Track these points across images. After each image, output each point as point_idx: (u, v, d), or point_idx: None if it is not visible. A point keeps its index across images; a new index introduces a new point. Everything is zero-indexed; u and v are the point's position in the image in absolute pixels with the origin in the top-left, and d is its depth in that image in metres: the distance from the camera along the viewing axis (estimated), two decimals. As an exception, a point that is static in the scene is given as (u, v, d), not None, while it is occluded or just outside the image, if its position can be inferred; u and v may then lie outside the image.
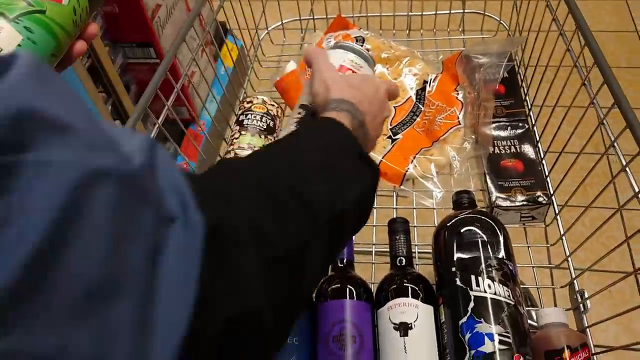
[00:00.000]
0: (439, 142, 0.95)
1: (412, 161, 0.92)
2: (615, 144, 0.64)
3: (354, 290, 0.71)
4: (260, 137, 0.86)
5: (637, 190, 0.59)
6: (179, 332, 0.28)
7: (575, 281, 0.73)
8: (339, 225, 0.44)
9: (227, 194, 0.38)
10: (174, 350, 0.28)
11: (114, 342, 0.25)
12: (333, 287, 0.72)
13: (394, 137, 0.96)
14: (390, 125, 0.98)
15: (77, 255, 0.23)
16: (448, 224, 0.72)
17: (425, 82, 1.04)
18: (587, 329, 0.69)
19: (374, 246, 0.88)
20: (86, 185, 0.24)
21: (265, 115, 0.89)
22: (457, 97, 1.00)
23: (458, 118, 0.97)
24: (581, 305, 0.71)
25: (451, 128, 0.96)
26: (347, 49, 0.67)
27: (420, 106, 1.01)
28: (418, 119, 0.99)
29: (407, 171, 0.91)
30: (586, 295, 0.71)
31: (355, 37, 1.09)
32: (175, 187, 0.31)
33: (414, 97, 1.02)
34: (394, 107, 1.01)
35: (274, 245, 0.37)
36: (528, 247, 0.82)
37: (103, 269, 0.24)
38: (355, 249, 0.86)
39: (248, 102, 0.90)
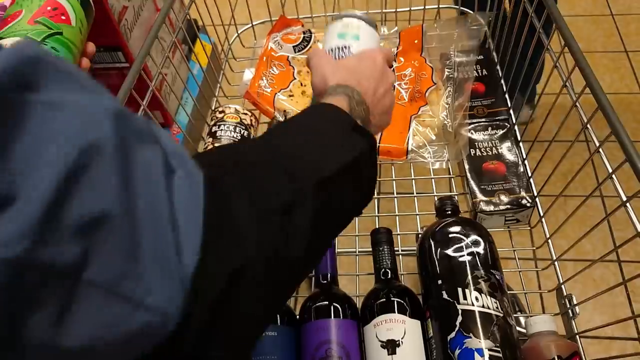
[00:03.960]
0: (425, 107, 0.96)
1: (409, 133, 0.91)
2: (601, 149, 0.62)
3: (339, 308, 0.68)
4: (235, 148, 0.83)
5: (624, 199, 0.57)
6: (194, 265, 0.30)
7: (562, 286, 0.72)
8: (330, 189, 0.44)
9: (218, 161, 0.41)
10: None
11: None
12: (317, 305, 0.69)
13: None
14: None
15: (97, 188, 0.25)
16: (431, 235, 0.70)
17: None
18: (577, 336, 0.68)
19: (357, 257, 0.85)
20: (98, 121, 0.26)
21: (239, 125, 0.85)
22: (425, 62, 1.02)
23: (432, 78, 0.99)
24: (570, 311, 0.69)
25: (429, 89, 0.97)
26: (341, 17, 0.68)
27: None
28: (395, 94, 0.99)
29: (408, 143, 0.90)
30: (574, 301, 0.69)
31: (302, 32, 1.08)
32: (173, 148, 0.32)
33: None
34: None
35: (266, 198, 0.38)
36: (514, 250, 0.81)
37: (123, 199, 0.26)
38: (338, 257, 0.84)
39: (220, 112, 0.87)
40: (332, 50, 0.66)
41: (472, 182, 0.82)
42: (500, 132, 0.88)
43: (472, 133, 0.88)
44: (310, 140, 0.47)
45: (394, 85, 0.99)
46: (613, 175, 0.61)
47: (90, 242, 0.25)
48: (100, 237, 0.25)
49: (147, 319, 0.27)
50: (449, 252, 0.67)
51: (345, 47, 0.65)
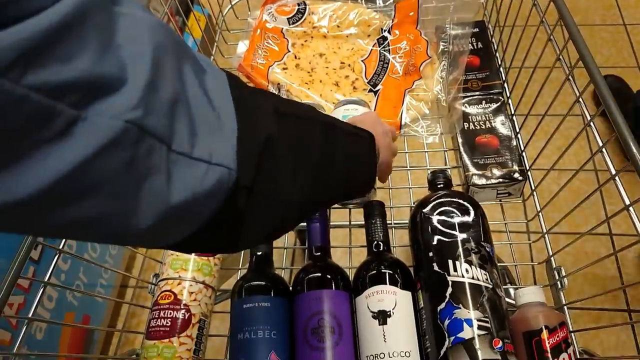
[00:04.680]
0: (419, 80, 0.96)
1: (402, 107, 0.92)
2: (593, 123, 0.62)
3: (331, 280, 0.69)
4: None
5: (613, 172, 0.57)
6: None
7: (552, 258, 0.73)
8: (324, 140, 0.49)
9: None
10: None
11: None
12: (309, 277, 0.70)
13: (374, 89, 0.97)
14: (366, 79, 0.99)
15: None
16: (423, 208, 0.71)
17: (382, 30, 1.05)
18: (565, 307, 0.69)
19: (350, 229, 0.86)
20: (159, 27, 0.33)
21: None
22: (420, 35, 1.02)
23: (427, 52, 1.00)
24: (558, 282, 0.71)
25: (423, 62, 0.97)
26: (342, 103, 0.84)
27: (387, 55, 1.02)
28: (389, 67, 1.00)
29: (401, 117, 0.92)
30: (563, 273, 0.70)
31: (297, 4, 1.07)
32: (199, 55, 0.39)
33: (377, 47, 1.04)
34: (362, 60, 1.02)
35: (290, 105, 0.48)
36: (505, 223, 0.82)
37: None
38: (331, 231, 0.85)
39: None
40: None
41: (464, 156, 0.82)
42: (494, 105, 0.88)
43: (465, 107, 0.88)
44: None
45: (384, 65, 1.00)
46: (604, 149, 0.61)
47: (173, 117, 0.32)
48: (177, 113, 0.32)
49: (217, 174, 0.35)
50: (441, 224, 0.68)
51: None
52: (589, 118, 0.63)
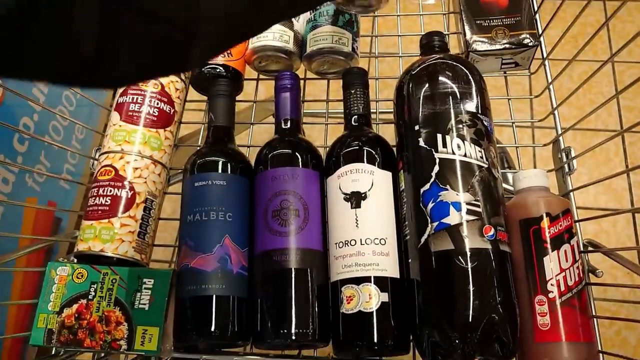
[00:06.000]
0: None
1: None
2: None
3: (298, 156, 0.59)
4: None
5: None
6: None
7: (560, 138, 0.62)
8: None
9: None
10: None
11: None
12: (274, 153, 0.60)
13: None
14: None
15: None
16: (413, 71, 0.59)
17: None
18: (571, 193, 0.59)
19: (327, 103, 0.74)
20: None
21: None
22: None
23: None
24: (566, 165, 0.60)
25: None
26: None
27: None
28: None
29: None
30: (572, 154, 0.60)
31: None
32: None
33: None
34: None
35: None
36: (508, 99, 0.70)
37: None
38: (305, 110, 0.74)
39: None
40: None
41: (465, 17, 0.69)
42: (506, -43, 0.73)
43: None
44: None
45: None
46: None
47: None
48: None
49: None
50: (431, 92, 0.56)
51: None
52: None
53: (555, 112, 0.64)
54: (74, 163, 1.25)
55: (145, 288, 0.57)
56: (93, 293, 0.57)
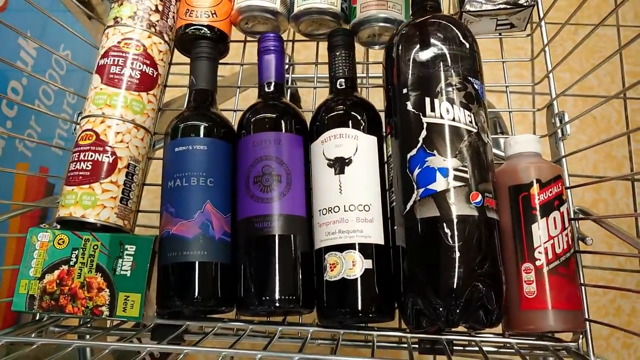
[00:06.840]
0: None
1: None
2: None
3: (281, 121, 0.57)
4: None
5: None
6: None
7: (555, 102, 0.60)
8: None
9: None
10: None
11: None
12: (256, 117, 0.58)
13: None
14: None
15: None
16: (403, 34, 0.56)
17: None
18: (564, 159, 0.57)
19: (316, 66, 0.72)
20: None
21: None
22: None
23: None
24: (559, 130, 0.58)
25: None
26: None
27: None
28: None
29: None
30: (566, 119, 0.58)
31: None
32: None
33: None
34: None
35: None
36: (503, 62, 0.67)
37: None
38: (294, 75, 0.72)
39: None
40: None
41: (460, -25, 0.66)
42: None
43: None
44: None
45: None
46: None
47: None
48: None
49: None
50: (421, 54, 0.54)
51: None
52: None
53: (550, 75, 0.61)
54: (67, 128, 1.24)
55: (127, 254, 0.56)
56: (74, 259, 0.56)
